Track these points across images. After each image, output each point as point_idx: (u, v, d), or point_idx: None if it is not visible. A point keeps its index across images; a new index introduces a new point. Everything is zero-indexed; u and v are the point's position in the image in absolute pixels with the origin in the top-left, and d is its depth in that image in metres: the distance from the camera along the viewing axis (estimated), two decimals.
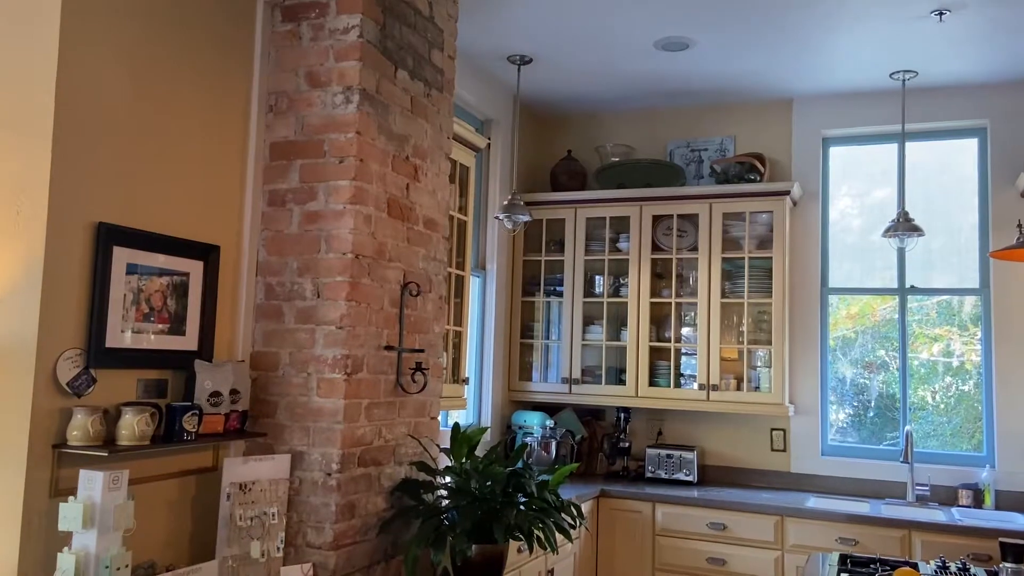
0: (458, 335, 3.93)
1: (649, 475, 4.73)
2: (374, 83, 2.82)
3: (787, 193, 4.51)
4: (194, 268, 2.52)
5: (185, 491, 2.50)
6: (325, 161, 2.75)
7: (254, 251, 2.80)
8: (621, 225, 4.93)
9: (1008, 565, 2.40)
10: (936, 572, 2.71)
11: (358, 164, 2.73)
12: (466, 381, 4.06)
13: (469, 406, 4.67)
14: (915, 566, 2.77)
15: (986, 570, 2.70)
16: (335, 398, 2.67)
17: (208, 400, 2.45)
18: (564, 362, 4.95)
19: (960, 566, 2.75)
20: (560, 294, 5.03)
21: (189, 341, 2.49)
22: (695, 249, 4.71)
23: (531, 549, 3.00)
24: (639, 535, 4.37)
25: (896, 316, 4.65)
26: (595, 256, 4.96)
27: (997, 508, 4.15)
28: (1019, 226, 2.52)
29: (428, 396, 3.24)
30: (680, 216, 4.78)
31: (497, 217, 4.51)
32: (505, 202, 4.37)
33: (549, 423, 4.82)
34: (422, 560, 2.93)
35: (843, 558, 2.95)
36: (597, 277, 4.99)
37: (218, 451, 2.62)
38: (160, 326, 2.39)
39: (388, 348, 2.93)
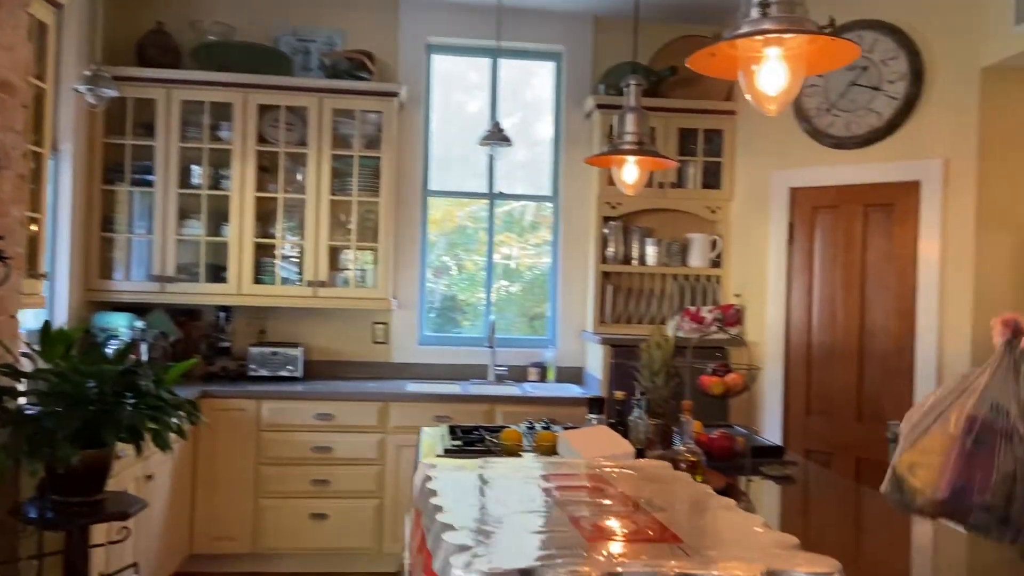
0: (35, 223, 3.37)
1: (252, 374, 4.64)
2: None
3: (396, 95, 4.64)
4: None
5: None
6: None
7: None
8: (222, 112, 4.61)
9: (592, 415, 2.91)
10: (527, 431, 3.15)
11: None
12: (45, 276, 3.52)
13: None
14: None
15: (563, 426, 3.22)
16: None
17: None
18: (156, 258, 4.55)
19: (544, 425, 3.26)
20: (150, 184, 4.56)
21: None
22: (304, 144, 4.63)
23: (139, 451, 2.79)
24: (243, 432, 4.30)
25: (475, 222, 5.16)
26: (192, 144, 4.58)
27: (558, 381, 4.93)
28: (610, 132, 2.96)
29: (7, 291, 2.76)
30: (289, 108, 4.63)
31: (77, 90, 3.90)
32: (88, 73, 3.79)
33: (139, 324, 4.43)
34: (12, 472, 2.54)
35: (452, 429, 3.28)
36: (194, 167, 4.62)
37: None
38: None
39: None
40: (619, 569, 0.82)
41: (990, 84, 3.62)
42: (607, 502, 1.13)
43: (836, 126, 4.07)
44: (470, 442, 3.02)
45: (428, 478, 1.22)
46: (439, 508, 1.06)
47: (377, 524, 4.37)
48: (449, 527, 0.97)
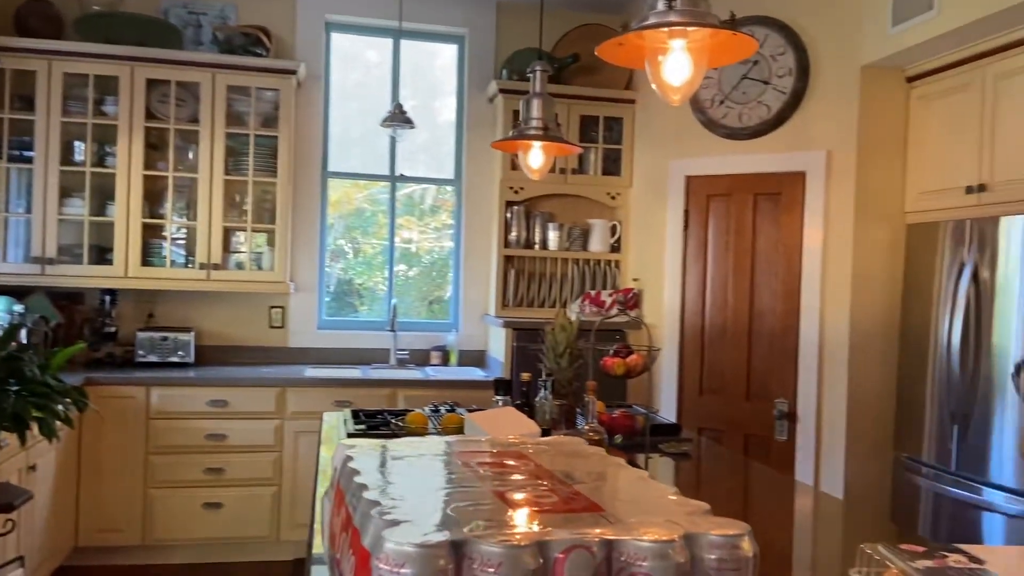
0: None
1: (140, 360, 4.46)
2: None
3: (294, 72, 4.53)
4: None
5: None
6: None
7: None
8: (108, 86, 4.39)
9: (499, 397, 2.94)
10: (432, 414, 3.16)
11: None
12: None
13: None
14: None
15: (467, 409, 3.25)
16: None
17: None
18: (35, 239, 4.30)
19: (448, 408, 3.27)
20: (29, 160, 4.30)
21: None
22: (196, 121, 4.45)
23: (23, 440, 2.64)
24: (131, 420, 4.13)
25: (374, 204, 5.11)
26: (75, 119, 4.35)
27: (460, 365, 4.95)
28: (515, 117, 2.99)
29: None
30: (179, 84, 4.44)
31: None
32: None
33: (18, 308, 4.17)
34: None
35: (355, 413, 3.24)
36: (77, 143, 4.39)
37: None
38: None
39: None
40: (547, 538, 0.85)
41: (869, 81, 3.85)
42: (527, 476, 1.16)
43: (729, 117, 4.24)
44: (374, 426, 3.00)
45: (349, 458, 1.22)
46: (364, 486, 1.06)
47: (274, 512, 4.28)
48: (376, 503, 0.98)
